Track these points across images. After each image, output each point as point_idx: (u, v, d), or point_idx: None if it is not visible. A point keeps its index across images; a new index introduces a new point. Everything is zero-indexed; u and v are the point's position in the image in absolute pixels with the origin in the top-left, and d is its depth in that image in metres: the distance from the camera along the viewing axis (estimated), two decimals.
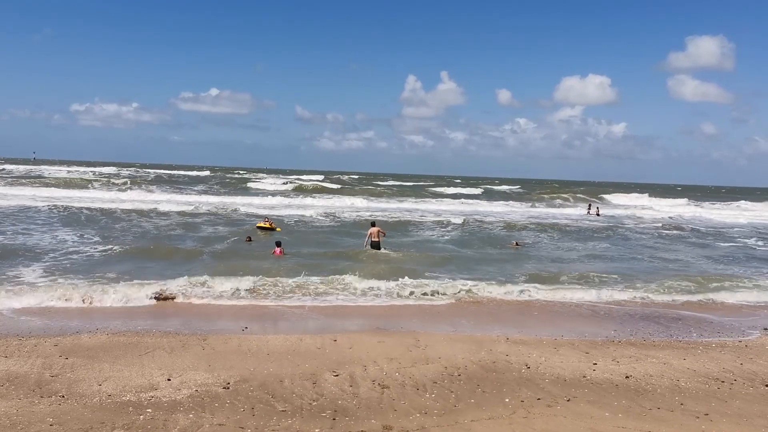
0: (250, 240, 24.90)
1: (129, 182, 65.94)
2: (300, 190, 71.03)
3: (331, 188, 75.39)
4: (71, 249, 20.93)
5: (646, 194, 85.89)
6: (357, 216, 38.93)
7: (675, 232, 37.12)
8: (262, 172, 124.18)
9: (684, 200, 78.63)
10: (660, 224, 41.68)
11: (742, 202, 77.43)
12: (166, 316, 13.15)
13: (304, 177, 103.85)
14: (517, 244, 26.77)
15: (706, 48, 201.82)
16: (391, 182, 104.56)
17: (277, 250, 21.30)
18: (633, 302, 16.37)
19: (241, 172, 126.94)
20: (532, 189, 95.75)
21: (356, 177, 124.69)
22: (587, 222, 42.32)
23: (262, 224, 29.29)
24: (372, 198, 62.14)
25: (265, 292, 15.48)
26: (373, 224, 24.15)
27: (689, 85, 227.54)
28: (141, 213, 35.15)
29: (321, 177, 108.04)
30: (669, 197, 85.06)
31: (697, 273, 20.69)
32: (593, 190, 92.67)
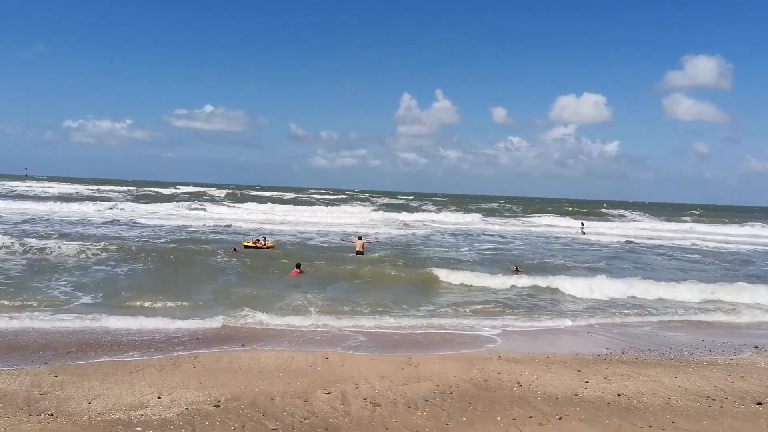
0: (235, 251, 25.68)
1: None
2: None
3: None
4: (84, 268, 20.86)
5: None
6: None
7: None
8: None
9: None
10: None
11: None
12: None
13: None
14: (517, 269, 24.40)
15: (703, 67, 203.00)
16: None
17: (296, 270, 21.77)
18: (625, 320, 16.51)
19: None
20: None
21: (402, 197, 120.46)
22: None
23: (248, 243, 29.01)
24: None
25: None
26: (359, 238, 28.57)
27: (684, 105, 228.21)
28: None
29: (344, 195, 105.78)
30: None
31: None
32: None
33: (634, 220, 74.02)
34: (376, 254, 27.47)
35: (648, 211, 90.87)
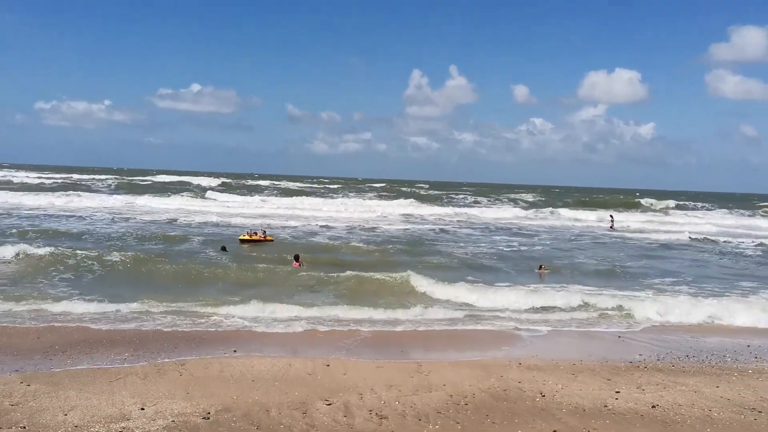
0: (225, 249, 25.93)
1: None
2: None
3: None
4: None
5: None
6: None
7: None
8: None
9: None
10: None
11: None
12: None
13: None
14: (543, 268, 24.20)
15: (752, 39, 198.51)
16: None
17: (296, 263, 22.97)
18: (661, 324, 16.48)
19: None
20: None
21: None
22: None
23: (244, 236, 29.55)
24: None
25: None
26: None
27: (729, 81, 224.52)
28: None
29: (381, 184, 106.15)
30: None
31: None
32: None
33: (696, 212, 70.46)
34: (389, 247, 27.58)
35: (716, 202, 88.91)
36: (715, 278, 24.23)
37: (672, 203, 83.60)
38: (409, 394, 9.94)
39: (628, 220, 55.73)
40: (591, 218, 57.84)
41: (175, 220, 39.95)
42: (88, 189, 70.87)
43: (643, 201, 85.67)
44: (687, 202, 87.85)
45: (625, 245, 35.78)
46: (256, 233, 30.19)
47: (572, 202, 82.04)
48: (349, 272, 20.70)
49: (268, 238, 29.90)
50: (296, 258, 23.38)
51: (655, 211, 73.34)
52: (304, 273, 21.04)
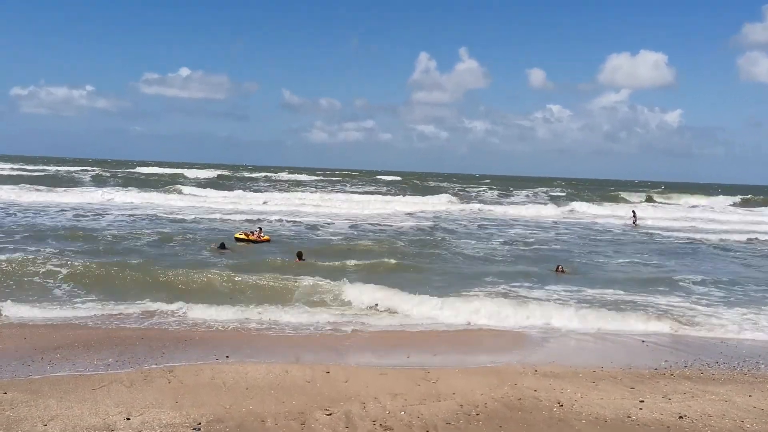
0: (224, 247, 26.23)
1: None
2: None
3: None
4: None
5: None
6: None
7: None
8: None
9: None
10: None
11: None
12: None
13: None
14: (561, 269, 23.87)
15: None
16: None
17: (297, 261, 23.95)
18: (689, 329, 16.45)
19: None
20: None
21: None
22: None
23: (240, 235, 29.71)
24: None
25: None
26: None
27: (764, 65, 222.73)
28: None
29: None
30: None
31: None
32: None
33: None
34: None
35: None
36: (754, 279, 23.81)
37: (724, 199, 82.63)
38: (416, 403, 9.95)
39: (664, 217, 55.16)
40: (620, 213, 56.92)
41: (162, 216, 40.04)
42: (68, 182, 71.07)
43: (680, 195, 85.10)
44: (731, 197, 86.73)
45: (652, 243, 35.70)
46: (252, 233, 30.29)
47: (600, 196, 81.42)
48: (352, 276, 20.68)
49: (263, 237, 29.96)
50: (299, 255, 24.09)
51: (693, 206, 72.79)
52: (299, 278, 20.98)
